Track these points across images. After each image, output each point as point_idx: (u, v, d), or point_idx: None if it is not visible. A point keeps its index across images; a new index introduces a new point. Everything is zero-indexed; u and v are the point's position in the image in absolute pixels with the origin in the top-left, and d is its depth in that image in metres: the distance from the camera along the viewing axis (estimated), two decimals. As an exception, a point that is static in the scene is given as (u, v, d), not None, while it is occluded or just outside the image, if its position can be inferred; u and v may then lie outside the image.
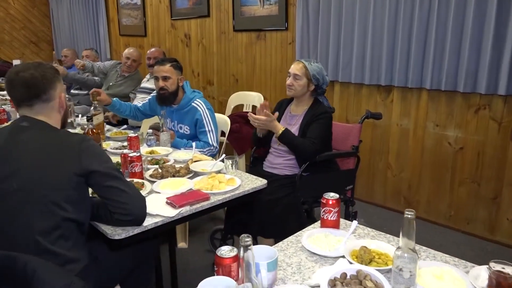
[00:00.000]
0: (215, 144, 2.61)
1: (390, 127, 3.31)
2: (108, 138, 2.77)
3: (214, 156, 2.61)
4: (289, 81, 2.36)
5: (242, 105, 4.27)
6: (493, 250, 2.83)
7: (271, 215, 2.19)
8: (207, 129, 2.60)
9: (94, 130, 2.12)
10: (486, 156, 2.84)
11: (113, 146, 2.53)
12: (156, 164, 2.16)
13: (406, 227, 1.08)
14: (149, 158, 2.24)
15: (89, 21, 6.43)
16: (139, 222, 1.49)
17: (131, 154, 1.93)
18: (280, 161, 2.41)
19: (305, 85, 2.36)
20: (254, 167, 2.60)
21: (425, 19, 2.90)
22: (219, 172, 2.04)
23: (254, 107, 4.19)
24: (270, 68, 4.10)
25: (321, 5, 3.44)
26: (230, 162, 2.02)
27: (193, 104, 2.65)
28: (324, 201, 1.47)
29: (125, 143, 2.42)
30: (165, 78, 2.56)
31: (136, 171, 1.93)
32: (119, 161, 2.03)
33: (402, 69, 3.07)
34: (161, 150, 2.40)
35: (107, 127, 3.06)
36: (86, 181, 1.41)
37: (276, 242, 1.51)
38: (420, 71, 3.00)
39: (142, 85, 3.92)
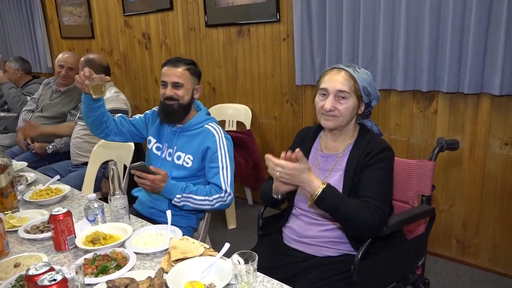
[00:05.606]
0: (228, 190, 1.73)
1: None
2: (28, 204, 1.73)
3: (226, 207, 1.77)
4: (328, 104, 1.39)
5: (223, 122, 3.30)
6: None
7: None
8: (220, 165, 1.75)
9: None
10: None
11: (30, 224, 1.50)
12: (103, 271, 1.16)
13: None
14: (87, 256, 1.24)
15: (22, 23, 5.23)
16: None
17: (44, 282, 0.92)
18: (315, 233, 1.45)
19: (354, 107, 1.43)
20: (267, 238, 1.63)
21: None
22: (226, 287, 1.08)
23: (239, 123, 3.23)
24: (258, 73, 3.14)
25: (329, -15, 2.52)
26: (245, 268, 1.06)
27: (206, 126, 1.82)
28: None
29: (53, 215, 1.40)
30: (176, 85, 1.79)
31: (57, 314, 0.93)
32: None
33: (453, 68, 2.19)
34: (112, 230, 1.41)
35: (30, 173, 2.00)
36: None
37: None
38: (480, 70, 2.14)
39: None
